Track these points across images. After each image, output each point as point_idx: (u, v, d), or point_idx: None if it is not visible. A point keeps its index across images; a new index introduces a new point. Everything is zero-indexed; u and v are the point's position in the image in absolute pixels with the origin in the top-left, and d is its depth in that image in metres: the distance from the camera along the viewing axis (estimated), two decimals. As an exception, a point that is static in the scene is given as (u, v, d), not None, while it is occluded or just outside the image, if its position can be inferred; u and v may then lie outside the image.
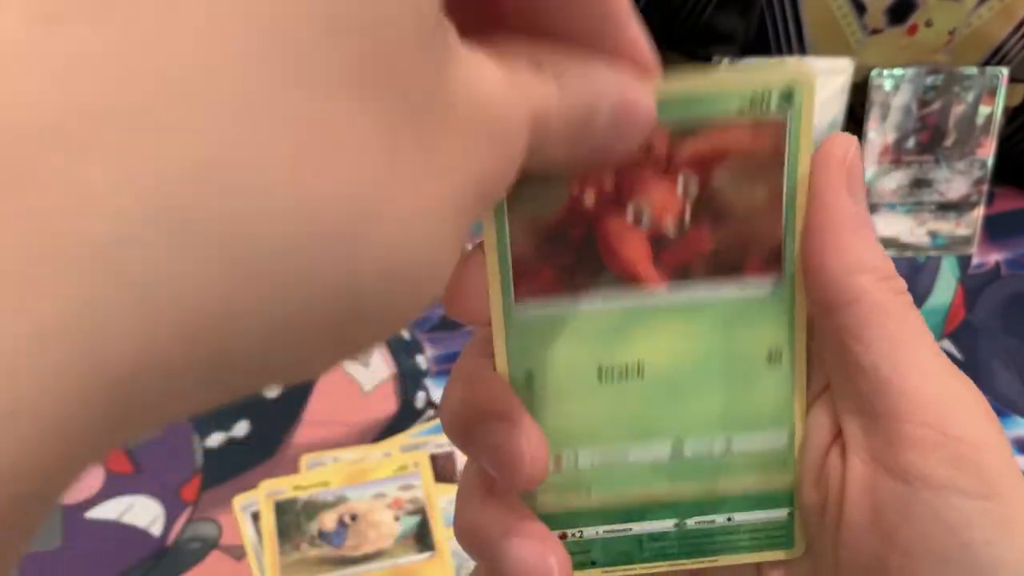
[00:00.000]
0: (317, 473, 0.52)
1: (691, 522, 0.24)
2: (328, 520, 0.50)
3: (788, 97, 0.22)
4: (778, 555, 0.24)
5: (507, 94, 0.16)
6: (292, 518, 0.50)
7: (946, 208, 0.63)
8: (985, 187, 0.62)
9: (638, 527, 0.24)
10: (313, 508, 0.50)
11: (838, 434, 0.22)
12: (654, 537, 0.24)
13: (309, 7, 0.12)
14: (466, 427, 0.22)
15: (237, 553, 0.49)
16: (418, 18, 0.14)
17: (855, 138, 0.22)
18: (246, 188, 0.11)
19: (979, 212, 0.63)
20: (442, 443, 0.52)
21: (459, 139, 0.14)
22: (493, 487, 0.22)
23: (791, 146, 0.22)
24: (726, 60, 0.58)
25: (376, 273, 0.13)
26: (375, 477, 0.51)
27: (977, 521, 0.19)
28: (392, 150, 0.13)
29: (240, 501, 0.51)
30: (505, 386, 0.22)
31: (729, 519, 0.24)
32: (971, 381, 0.21)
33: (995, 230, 0.66)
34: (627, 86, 0.18)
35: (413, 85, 0.13)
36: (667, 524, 0.24)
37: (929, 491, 0.20)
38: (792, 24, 0.58)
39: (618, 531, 0.24)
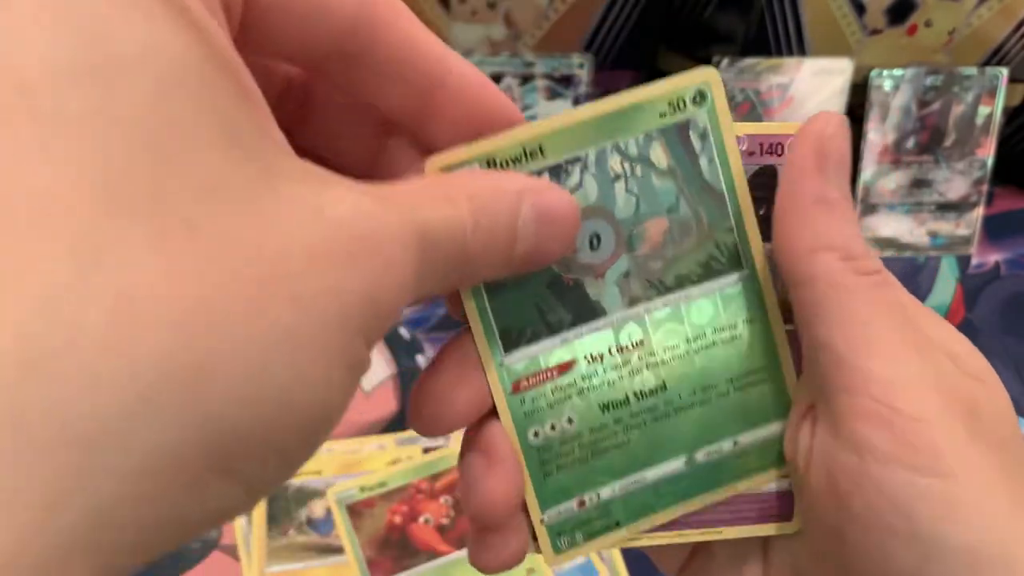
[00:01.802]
0: (311, 461, 0.52)
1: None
2: (317, 508, 0.50)
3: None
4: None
5: (375, 213, 0.16)
6: (282, 504, 0.50)
7: (946, 208, 0.63)
8: (985, 187, 0.62)
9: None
10: (303, 495, 0.50)
11: (812, 406, 0.23)
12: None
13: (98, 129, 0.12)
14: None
15: (237, 553, 0.49)
16: (226, 135, 0.14)
17: (840, 115, 0.22)
18: (67, 370, 0.12)
19: (979, 212, 0.63)
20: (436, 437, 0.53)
21: (306, 261, 0.14)
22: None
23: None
24: (726, 60, 0.58)
25: (237, 403, 0.13)
26: (367, 468, 0.51)
27: (922, 497, 0.20)
28: (219, 284, 0.13)
29: (234, 487, 0.51)
30: (466, 345, 0.22)
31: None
32: (948, 362, 0.21)
33: (995, 230, 0.66)
34: (541, 188, 0.20)
35: (235, 208, 0.14)
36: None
37: (876, 464, 0.20)
38: (792, 24, 0.58)
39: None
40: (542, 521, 0.23)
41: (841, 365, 0.21)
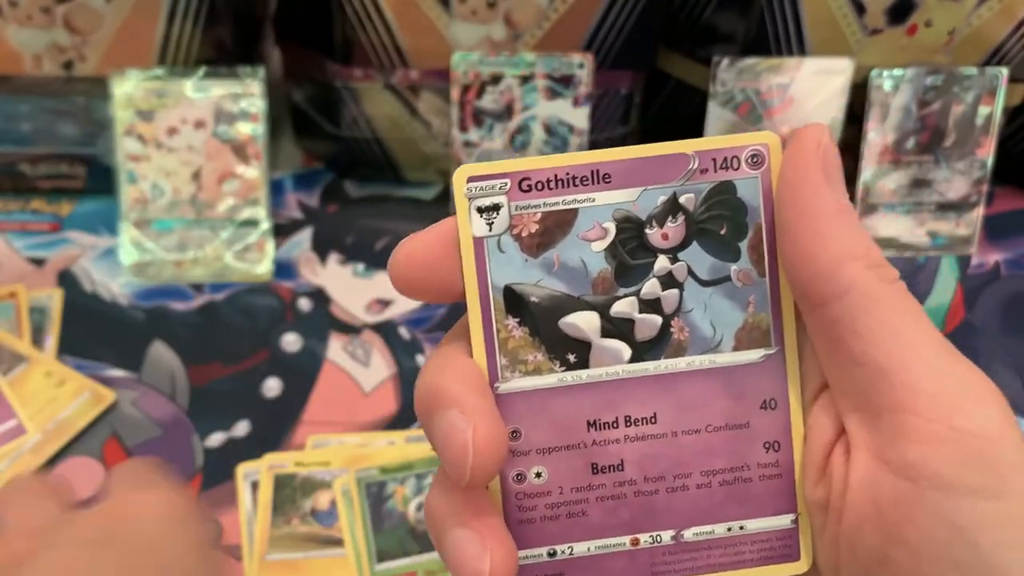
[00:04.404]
0: (320, 452, 0.52)
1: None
2: (323, 499, 0.50)
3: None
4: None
5: None
6: (288, 492, 0.50)
7: (946, 208, 0.63)
8: (985, 187, 0.62)
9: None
10: (310, 486, 0.50)
11: (841, 431, 0.21)
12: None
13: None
14: (426, 411, 0.21)
15: (237, 553, 0.49)
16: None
17: (826, 125, 0.22)
18: None
19: (979, 212, 0.63)
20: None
21: None
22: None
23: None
24: (726, 60, 0.58)
25: None
26: (376, 463, 0.51)
27: (987, 522, 0.18)
28: None
29: (243, 469, 0.52)
30: (471, 374, 0.21)
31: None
32: (980, 370, 0.20)
33: (995, 230, 0.66)
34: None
35: None
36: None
37: (935, 490, 0.18)
38: (792, 24, 0.58)
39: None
40: None
41: (883, 381, 0.19)
